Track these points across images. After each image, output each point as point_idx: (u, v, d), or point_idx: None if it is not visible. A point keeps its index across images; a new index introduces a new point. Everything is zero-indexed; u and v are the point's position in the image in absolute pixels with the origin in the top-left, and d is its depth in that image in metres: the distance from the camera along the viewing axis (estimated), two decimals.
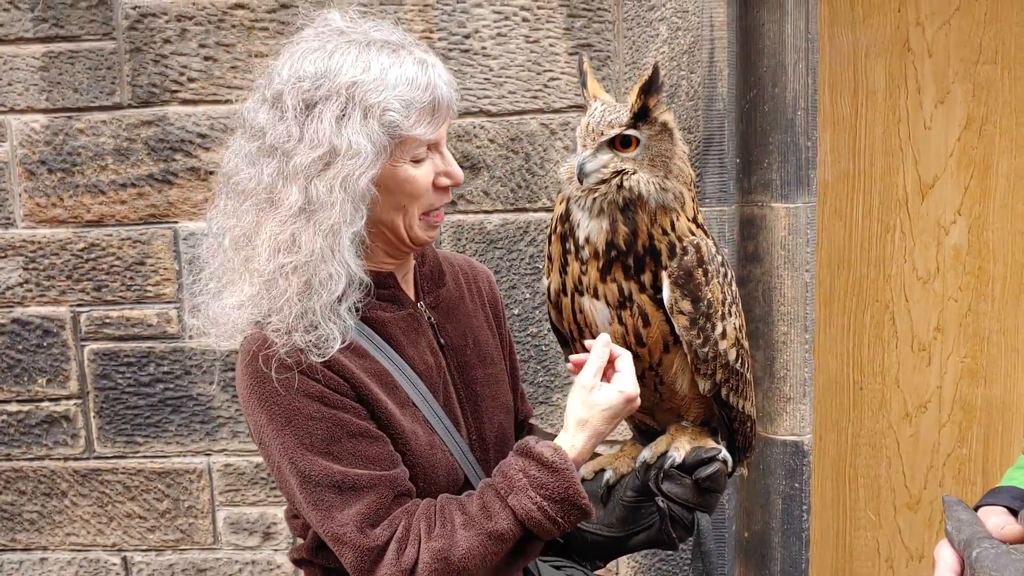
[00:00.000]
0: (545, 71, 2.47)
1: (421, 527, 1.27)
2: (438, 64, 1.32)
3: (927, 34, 2.62)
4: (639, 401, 1.35)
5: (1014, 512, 1.14)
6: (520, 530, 1.28)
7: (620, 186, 1.31)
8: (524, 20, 2.45)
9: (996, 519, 1.04)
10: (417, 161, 1.31)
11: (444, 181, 1.35)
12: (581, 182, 1.32)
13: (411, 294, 1.45)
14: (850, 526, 2.87)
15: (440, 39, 2.46)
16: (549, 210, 2.51)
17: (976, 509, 1.17)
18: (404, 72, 1.26)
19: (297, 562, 1.47)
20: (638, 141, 1.32)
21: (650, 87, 1.30)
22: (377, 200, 1.28)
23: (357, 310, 1.29)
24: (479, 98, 2.48)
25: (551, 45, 2.46)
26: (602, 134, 1.32)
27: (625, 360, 1.34)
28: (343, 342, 1.26)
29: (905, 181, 2.69)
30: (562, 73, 2.46)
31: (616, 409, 1.32)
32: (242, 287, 1.26)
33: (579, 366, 1.36)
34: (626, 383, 1.32)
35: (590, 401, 1.32)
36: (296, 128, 1.24)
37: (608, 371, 1.35)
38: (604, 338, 1.35)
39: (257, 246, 1.26)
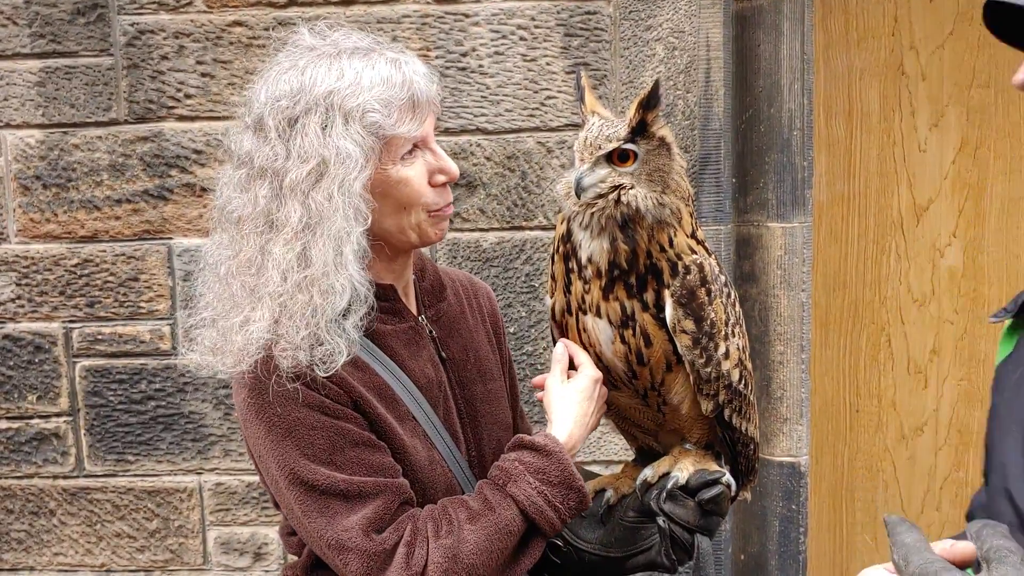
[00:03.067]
0: (542, 89, 2.47)
1: (428, 528, 1.26)
2: (412, 60, 1.32)
3: (921, 58, 2.64)
4: (606, 391, 1.41)
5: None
6: (523, 521, 1.29)
7: (618, 201, 1.30)
8: (521, 39, 2.45)
9: (942, 543, 0.97)
10: (407, 161, 1.31)
11: (440, 179, 1.34)
12: (579, 196, 1.31)
13: (412, 308, 1.44)
14: (847, 550, 2.84)
15: (437, 57, 2.46)
16: (546, 228, 2.51)
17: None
18: (378, 73, 1.26)
19: None
20: (636, 156, 1.31)
21: (649, 102, 1.29)
22: (375, 208, 1.27)
23: (361, 325, 1.28)
24: (476, 116, 2.48)
25: (548, 64, 2.46)
26: (600, 148, 1.31)
27: (582, 355, 1.40)
28: (348, 356, 1.25)
29: (900, 203, 2.69)
30: (559, 92, 2.47)
31: (589, 389, 1.37)
32: (255, 314, 1.24)
33: (541, 386, 1.43)
34: (589, 368, 1.39)
35: (563, 392, 1.37)
36: (282, 147, 1.24)
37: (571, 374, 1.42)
38: (562, 344, 1.42)
39: (268, 269, 1.24)
